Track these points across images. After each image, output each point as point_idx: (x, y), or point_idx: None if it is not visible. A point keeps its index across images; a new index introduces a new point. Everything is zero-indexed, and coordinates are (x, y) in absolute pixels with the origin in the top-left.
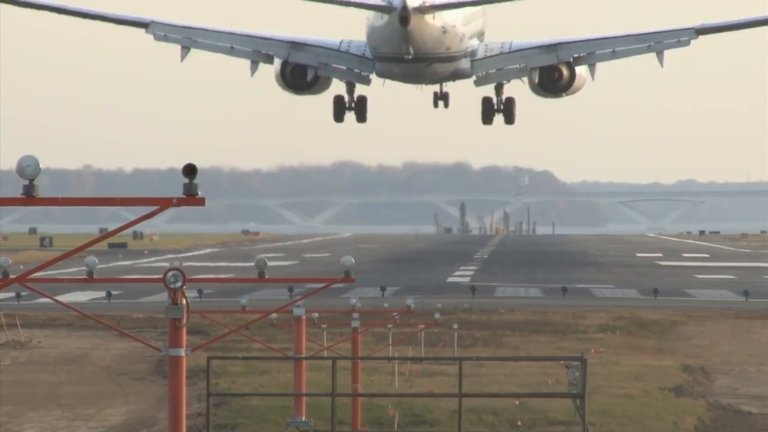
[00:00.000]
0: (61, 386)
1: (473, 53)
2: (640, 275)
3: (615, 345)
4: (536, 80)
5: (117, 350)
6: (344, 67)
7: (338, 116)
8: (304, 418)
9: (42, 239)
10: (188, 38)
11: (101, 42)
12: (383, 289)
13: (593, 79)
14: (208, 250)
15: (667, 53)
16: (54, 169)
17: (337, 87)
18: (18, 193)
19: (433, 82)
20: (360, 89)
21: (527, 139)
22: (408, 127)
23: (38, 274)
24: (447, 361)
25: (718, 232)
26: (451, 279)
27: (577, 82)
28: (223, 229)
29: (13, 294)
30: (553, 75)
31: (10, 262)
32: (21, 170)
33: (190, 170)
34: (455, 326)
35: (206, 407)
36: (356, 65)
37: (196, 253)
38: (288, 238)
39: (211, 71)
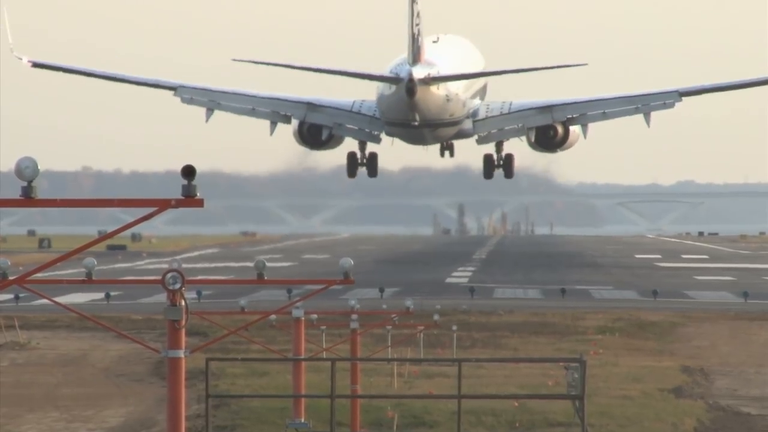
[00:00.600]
0: (60, 387)
1: (475, 113)
2: (639, 276)
3: (614, 346)
4: (533, 139)
5: (116, 351)
6: (356, 127)
7: (351, 172)
8: (303, 420)
9: (41, 241)
10: (212, 101)
11: (97, 44)
12: (382, 290)
13: (585, 137)
14: (207, 251)
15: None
16: (52, 171)
17: (351, 143)
18: (17, 194)
19: (438, 142)
20: (371, 146)
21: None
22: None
23: (37, 275)
24: (446, 363)
25: (716, 234)
26: (449, 280)
27: (570, 139)
28: (221, 230)
29: (12, 295)
30: (548, 133)
31: (9, 263)
32: (19, 172)
33: (188, 171)
34: (454, 327)
35: (205, 409)
36: (367, 125)
37: (195, 254)
38: (286, 238)
39: (205, 76)
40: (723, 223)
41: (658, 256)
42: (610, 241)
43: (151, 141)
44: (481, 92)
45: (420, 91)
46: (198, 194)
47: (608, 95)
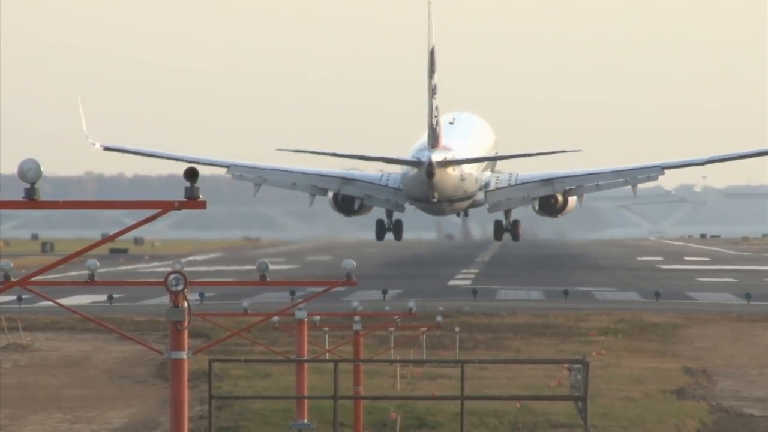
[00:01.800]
0: (63, 389)
1: (486, 184)
2: (642, 278)
3: (617, 348)
4: (537, 207)
5: (118, 353)
6: (383, 198)
7: (380, 236)
8: (306, 421)
9: (43, 244)
10: (259, 177)
11: (99, 49)
12: (384, 292)
13: (581, 206)
14: (210, 255)
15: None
16: (55, 176)
17: (380, 211)
18: (19, 198)
19: (454, 213)
20: (396, 214)
21: (528, 144)
22: (408, 133)
23: (40, 277)
24: (449, 364)
25: (719, 236)
26: (452, 282)
27: (569, 206)
28: (224, 235)
29: (14, 297)
30: (550, 201)
31: (12, 265)
32: (22, 174)
33: (191, 174)
34: (457, 329)
35: (208, 410)
36: (393, 196)
37: (198, 257)
38: (290, 243)
39: (210, 78)
40: (725, 225)
41: (660, 259)
42: (612, 244)
43: (154, 145)
44: (492, 163)
45: (438, 173)
46: (200, 196)
47: (601, 169)
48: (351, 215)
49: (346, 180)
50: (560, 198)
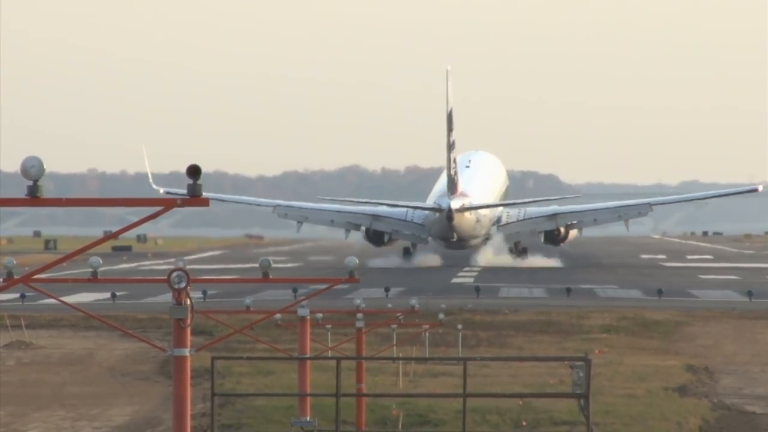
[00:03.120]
0: (66, 386)
1: (498, 219)
2: (644, 276)
3: (619, 345)
4: (542, 239)
5: (121, 350)
6: (409, 232)
7: (407, 261)
8: (308, 418)
9: (47, 242)
10: (302, 215)
11: (103, 48)
12: (387, 289)
13: (581, 235)
14: (213, 253)
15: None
16: (57, 173)
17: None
18: (22, 195)
19: (471, 248)
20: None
21: (531, 143)
22: (410, 131)
23: (42, 274)
24: (451, 362)
25: (721, 233)
26: (455, 280)
27: (570, 237)
28: (226, 233)
29: (17, 295)
30: (554, 233)
31: (15, 262)
32: (25, 171)
33: (194, 171)
34: (459, 326)
35: (211, 407)
36: (417, 231)
37: (200, 255)
38: (293, 242)
39: (211, 79)
40: (727, 222)
41: (663, 257)
42: (615, 242)
43: (156, 143)
44: (504, 196)
45: (456, 218)
46: (203, 194)
47: (598, 206)
48: (380, 246)
49: (376, 217)
50: (563, 230)
